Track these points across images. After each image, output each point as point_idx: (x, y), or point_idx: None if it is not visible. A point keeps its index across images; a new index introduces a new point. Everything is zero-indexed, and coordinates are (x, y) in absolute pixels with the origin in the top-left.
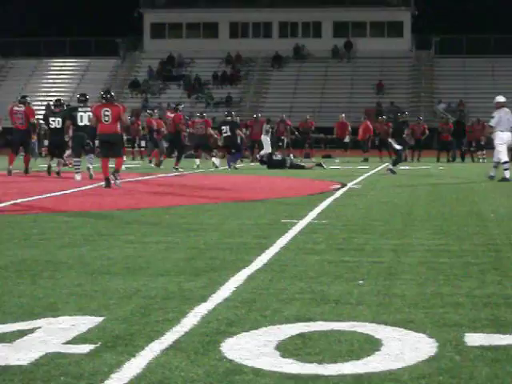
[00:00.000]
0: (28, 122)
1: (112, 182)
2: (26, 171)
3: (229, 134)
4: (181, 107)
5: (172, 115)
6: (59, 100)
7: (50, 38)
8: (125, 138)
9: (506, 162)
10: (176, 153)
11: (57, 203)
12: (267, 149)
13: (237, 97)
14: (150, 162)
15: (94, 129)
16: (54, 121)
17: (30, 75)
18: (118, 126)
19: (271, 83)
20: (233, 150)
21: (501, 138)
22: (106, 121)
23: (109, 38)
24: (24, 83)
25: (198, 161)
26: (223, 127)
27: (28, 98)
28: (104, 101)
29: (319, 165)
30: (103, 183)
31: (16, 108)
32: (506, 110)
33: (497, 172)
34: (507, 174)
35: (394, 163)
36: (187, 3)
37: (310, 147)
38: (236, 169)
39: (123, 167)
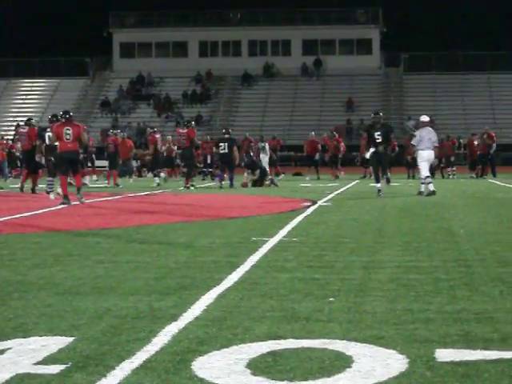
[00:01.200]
0: (31, 143)
1: (77, 201)
2: (33, 190)
3: (226, 150)
4: (193, 123)
5: (184, 131)
6: (29, 119)
7: (19, 59)
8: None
9: (427, 177)
10: (185, 169)
11: (27, 223)
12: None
13: (207, 115)
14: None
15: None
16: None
17: None
18: (78, 145)
19: (241, 101)
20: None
21: (421, 157)
22: (68, 139)
23: (78, 57)
24: None
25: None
26: (221, 144)
27: (33, 121)
28: (64, 120)
29: (272, 182)
30: (63, 201)
31: (21, 130)
32: (429, 129)
33: (426, 188)
34: (431, 187)
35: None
36: (156, 22)
37: (274, 165)
38: (221, 188)
39: (90, 186)
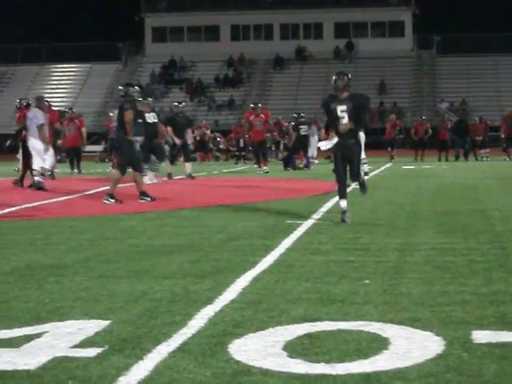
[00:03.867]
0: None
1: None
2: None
3: (307, 133)
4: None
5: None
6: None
7: (52, 44)
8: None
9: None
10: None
11: (61, 208)
12: (313, 149)
13: (239, 99)
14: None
15: None
16: None
17: (31, 81)
18: None
19: (273, 85)
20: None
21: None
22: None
23: (110, 42)
24: (26, 89)
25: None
26: (302, 126)
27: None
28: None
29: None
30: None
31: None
32: None
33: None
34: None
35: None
36: (188, 7)
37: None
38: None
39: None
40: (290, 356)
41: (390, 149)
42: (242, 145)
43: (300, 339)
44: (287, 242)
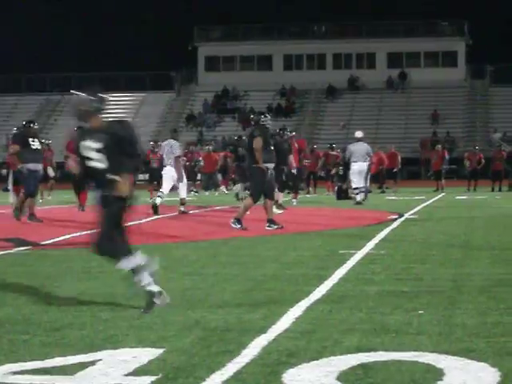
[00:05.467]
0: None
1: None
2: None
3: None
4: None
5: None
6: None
7: (105, 73)
8: None
9: (355, 188)
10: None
11: None
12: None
13: (291, 129)
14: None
15: None
16: None
17: None
18: None
19: (326, 115)
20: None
21: (353, 169)
22: None
23: (163, 71)
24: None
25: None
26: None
27: None
28: None
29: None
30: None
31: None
32: (362, 143)
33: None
34: (358, 198)
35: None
36: (241, 36)
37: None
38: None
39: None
40: None
41: (433, 178)
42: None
43: (354, 369)
44: (340, 272)
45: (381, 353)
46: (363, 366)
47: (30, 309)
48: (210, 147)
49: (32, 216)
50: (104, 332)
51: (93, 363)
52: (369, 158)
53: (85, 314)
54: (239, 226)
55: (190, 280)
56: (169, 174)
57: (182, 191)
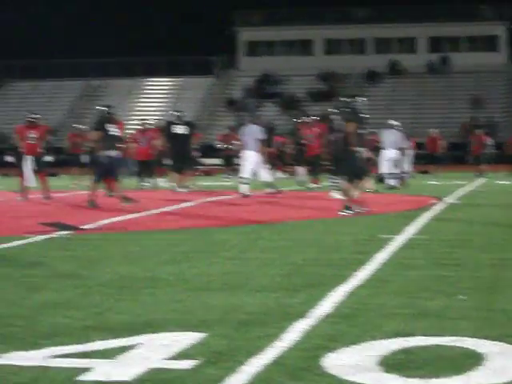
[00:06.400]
0: None
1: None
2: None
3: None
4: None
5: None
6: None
7: (146, 58)
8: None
9: (389, 174)
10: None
11: (155, 221)
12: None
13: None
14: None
15: None
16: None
17: (125, 95)
18: None
19: (366, 99)
20: None
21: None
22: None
23: (203, 56)
24: (120, 103)
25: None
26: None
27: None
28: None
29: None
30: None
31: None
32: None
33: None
34: (392, 182)
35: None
36: (282, 21)
37: None
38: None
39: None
40: (386, 371)
41: (474, 162)
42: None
43: (394, 354)
44: (381, 257)
45: (421, 337)
46: (403, 351)
47: (72, 292)
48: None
49: (91, 202)
50: (144, 316)
51: (133, 347)
52: (406, 144)
53: (125, 298)
54: (350, 211)
55: (231, 264)
56: (250, 158)
57: (266, 174)
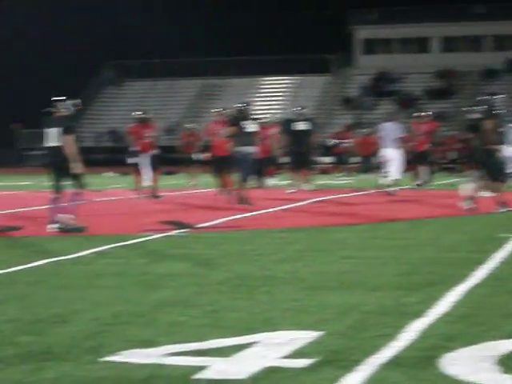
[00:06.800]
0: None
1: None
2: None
3: None
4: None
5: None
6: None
7: (262, 57)
8: None
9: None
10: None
11: (271, 219)
12: None
13: (450, 111)
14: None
15: None
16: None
17: (242, 94)
18: None
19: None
20: None
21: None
22: None
23: (320, 54)
24: (237, 101)
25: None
26: None
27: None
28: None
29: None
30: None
31: None
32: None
33: None
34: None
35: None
36: (399, 18)
37: None
38: None
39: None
40: (504, 372)
41: None
42: (451, 157)
43: None
44: (499, 256)
45: None
46: None
47: (189, 291)
48: (367, 130)
49: (244, 199)
50: (261, 314)
51: (249, 345)
52: None
53: (242, 297)
54: (505, 209)
55: (348, 263)
56: (390, 157)
57: (395, 172)
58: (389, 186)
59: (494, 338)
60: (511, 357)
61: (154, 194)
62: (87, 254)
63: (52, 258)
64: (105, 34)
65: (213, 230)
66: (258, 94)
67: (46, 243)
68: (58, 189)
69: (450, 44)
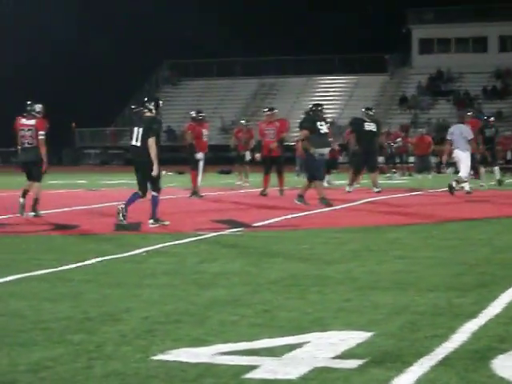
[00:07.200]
0: None
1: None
2: None
3: None
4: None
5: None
6: None
7: (319, 56)
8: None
9: None
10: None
11: (325, 219)
12: None
13: (507, 111)
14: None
15: None
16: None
17: (299, 93)
18: None
19: None
20: None
21: None
22: None
23: (377, 54)
24: (293, 101)
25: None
26: None
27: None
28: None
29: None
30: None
31: None
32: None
33: None
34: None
35: None
36: (455, 18)
37: None
38: None
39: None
40: None
41: None
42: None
43: None
44: None
45: None
46: None
47: (241, 290)
48: (423, 130)
49: (324, 199)
50: (312, 314)
51: (300, 345)
52: None
53: (294, 296)
54: None
55: (402, 263)
56: (461, 158)
57: (464, 171)
58: (462, 187)
59: None
60: None
61: (197, 194)
62: (140, 253)
63: (105, 256)
64: (161, 35)
65: (267, 229)
66: (315, 94)
67: (100, 241)
68: (143, 188)
69: (508, 43)
